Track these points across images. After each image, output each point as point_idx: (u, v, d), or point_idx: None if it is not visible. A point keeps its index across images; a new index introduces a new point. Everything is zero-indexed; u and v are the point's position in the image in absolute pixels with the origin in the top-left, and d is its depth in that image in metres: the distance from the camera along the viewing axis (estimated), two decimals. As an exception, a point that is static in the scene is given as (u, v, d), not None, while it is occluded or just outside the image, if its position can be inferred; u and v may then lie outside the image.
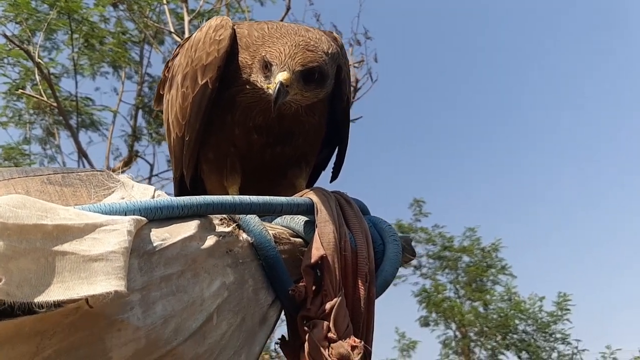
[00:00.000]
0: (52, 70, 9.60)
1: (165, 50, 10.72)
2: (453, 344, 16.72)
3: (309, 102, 1.53)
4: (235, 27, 1.58)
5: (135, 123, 11.05)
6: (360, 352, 1.14)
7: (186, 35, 8.32)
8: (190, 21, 8.54)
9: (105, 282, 0.81)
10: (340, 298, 1.17)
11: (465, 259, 17.30)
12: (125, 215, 0.95)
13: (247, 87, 1.52)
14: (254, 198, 1.17)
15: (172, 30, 8.45)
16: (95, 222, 0.87)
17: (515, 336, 16.31)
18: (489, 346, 16.45)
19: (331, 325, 1.15)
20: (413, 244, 1.50)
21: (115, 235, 0.87)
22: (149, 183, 10.11)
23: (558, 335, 16.21)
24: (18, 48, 8.26)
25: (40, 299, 0.76)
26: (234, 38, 1.55)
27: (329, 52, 1.49)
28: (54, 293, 0.78)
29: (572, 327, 16.06)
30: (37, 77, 8.05)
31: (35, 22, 9.01)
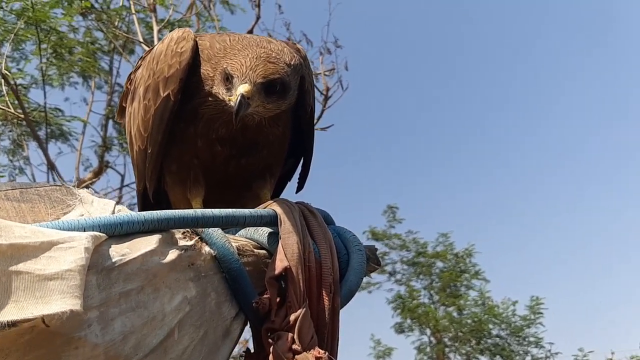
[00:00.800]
0: (20, 81, 9.45)
1: (135, 59, 10.62)
2: (428, 349, 16.80)
3: (271, 113, 1.53)
4: (197, 39, 1.58)
5: (106, 133, 10.91)
6: (324, 363, 1.14)
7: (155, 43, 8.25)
8: (159, 31, 8.48)
9: (61, 302, 0.80)
10: (304, 309, 1.17)
11: (439, 264, 17.43)
12: (85, 231, 0.94)
13: (210, 99, 1.52)
14: (217, 211, 1.16)
15: (142, 40, 8.39)
16: (52, 240, 0.86)
17: (489, 340, 16.45)
18: (464, 351, 16.57)
19: (295, 337, 1.15)
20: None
21: (72, 253, 0.86)
22: (120, 193, 10.01)
23: (531, 339, 16.40)
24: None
25: None
26: (195, 50, 1.55)
27: (291, 63, 1.50)
28: (9, 313, 0.77)
29: (545, 330, 16.26)
30: (4, 88, 7.91)
31: (1, 33, 8.87)
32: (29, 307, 0.78)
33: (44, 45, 9.27)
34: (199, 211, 1.14)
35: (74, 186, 1.10)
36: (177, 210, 1.11)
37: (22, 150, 10.53)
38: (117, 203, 1.11)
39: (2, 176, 9.66)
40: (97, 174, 10.58)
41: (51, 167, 8.66)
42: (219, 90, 1.49)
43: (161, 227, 1.07)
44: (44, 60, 9.56)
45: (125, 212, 1.08)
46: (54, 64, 9.90)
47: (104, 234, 0.96)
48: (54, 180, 8.60)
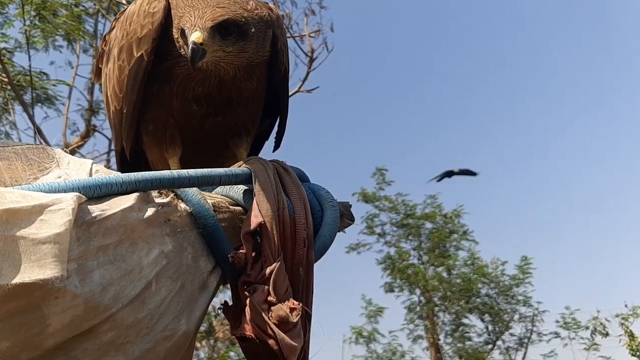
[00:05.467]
0: (4, 44, 9.33)
1: (120, 22, 10.47)
2: (418, 308, 17.06)
3: (241, 61, 1.55)
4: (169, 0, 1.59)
5: (92, 97, 10.83)
6: (298, 314, 1.19)
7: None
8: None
9: (53, 265, 0.84)
10: (279, 263, 1.22)
11: (428, 225, 17.58)
12: (65, 193, 0.98)
13: (181, 59, 1.54)
14: (192, 171, 1.20)
15: (125, 2, 8.27)
16: (42, 203, 0.90)
17: (478, 300, 16.70)
18: (453, 310, 16.84)
19: (271, 289, 1.20)
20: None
21: (61, 215, 0.90)
22: (108, 157, 9.99)
23: (520, 298, 16.67)
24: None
25: None
26: (168, 10, 1.56)
27: (252, 10, 1.53)
28: (7, 277, 0.82)
29: (533, 290, 16.53)
30: (-13, 53, 7.83)
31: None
32: (26, 271, 0.83)
33: (27, 8, 9.13)
34: (175, 172, 1.17)
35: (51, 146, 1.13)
36: (154, 172, 1.15)
37: (8, 114, 10.46)
38: (94, 162, 1.14)
39: (-12, 141, 9.60)
40: (84, 137, 10.54)
41: (37, 131, 8.62)
42: (182, 48, 1.51)
43: (138, 189, 1.10)
44: (28, 23, 9.42)
45: (103, 173, 1.11)
46: (38, 27, 9.76)
47: (84, 196, 1.00)
48: (41, 144, 8.56)
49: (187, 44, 1.46)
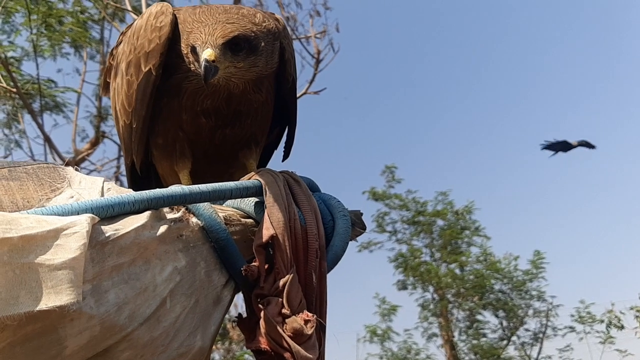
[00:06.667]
0: (12, 53, 9.40)
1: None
2: (431, 306, 17.02)
3: (251, 74, 1.55)
4: (175, 13, 1.59)
5: (100, 103, 10.87)
6: (313, 326, 1.19)
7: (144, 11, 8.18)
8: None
9: (69, 291, 0.84)
10: (292, 275, 1.22)
11: (440, 222, 17.53)
12: (78, 215, 0.98)
13: (190, 73, 1.55)
14: (203, 187, 1.20)
15: (130, 9, 8.30)
16: (57, 228, 0.90)
17: (491, 296, 16.65)
18: (467, 307, 16.79)
19: (284, 301, 1.20)
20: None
21: (75, 239, 0.90)
22: (117, 162, 10.03)
23: (533, 293, 16.60)
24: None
25: (12, 311, 0.80)
26: (175, 24, 1.57)
27: (261, 23, 1.53)
28: (24, 305, 0.82)
29: (547, 284, 16.45)
30: (-6, 63, 7.88)
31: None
32: (43, 298, 0.83)
33: (33, 17, 9.19)
34: (187, 188, 1.17)
35: (64, 162, 1.13)
36: (165, 190, 1.15)
37: (17, 123, 10.53)
38: (105, 180, 1.14)
39: (-2, 149, 9.66)
40: (94, 144, 10.59)
41: (46, 139, 8.67)
42: (193, 64, 1.52)
43: (150, 207, 1.10)
44: (34, 31, 9.48)
45: (114, 191, 1.11)
46: (45, 35, 9.82)
47: (97, 217, 1.00)
48: (50, 153, 8.62)
49: (198, 61, 1.46)
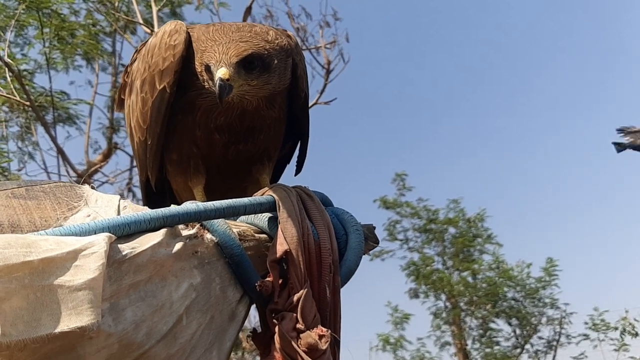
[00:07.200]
0: (25, 66, 9.50)
1: (137, 40, 10.61)
2: (444, 314, 16.93)
3: (264, 92, 1.57)
4: (189, 31, 1.61)
5: (112, 115, 10.95)
6: (327, 341, 1.20)
7: (155, 24, 8.27)
8: (158, 10, 8.47)
9: (90, 311, 0.86)
10: (306, 290, 1.23)
11: (451, 230, 17.46)
12: (95, 234, 0.99)
13: (204, 90, 1.56)
14: (217, 203, 1.21)
15: (141, 22, 8.37)
16: (76, 249, 0.92)
17: (504, 304, 16.53)
18: (480, 315, 16.68)
19: (299, 316, 1.20)
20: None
21: (94, 259, 0.92)
22: (130, 174, 10.09)
23: (547, 300, 16.46)
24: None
25: (34, 334, 0.82)
26: (189, 42, 1.59)
27: (273, 41, 1.55)
28: (46, 327, 0.83)
29: (560, 291, 16.32)
30: (8, 76, 7.95)
31: (3, 19, 8.90)
32: (64, 319, 0.85)
33: (46, 30, 9.29)
34: (202, 205, 1.19)
35: (80, 178, 1.15)
36: (180, 207, 1.17)
37: (31, 135, 10.63)
38: (121, 198, 1.16)
39: (11, 161, 9.73)
40: (106, 156, 10.66)
41: (59, 151, 8.74)
42: (207, 82, 1.54)
43: (166, 224, 1.12)
44: (47, 44, 9.58)
45: (130, 209, 1.13)
46: (57, 48, 9.92)
47: (114, 235, 1.01)
48: (64, 165, 8.69)
49: (212, 80, 1.48)
